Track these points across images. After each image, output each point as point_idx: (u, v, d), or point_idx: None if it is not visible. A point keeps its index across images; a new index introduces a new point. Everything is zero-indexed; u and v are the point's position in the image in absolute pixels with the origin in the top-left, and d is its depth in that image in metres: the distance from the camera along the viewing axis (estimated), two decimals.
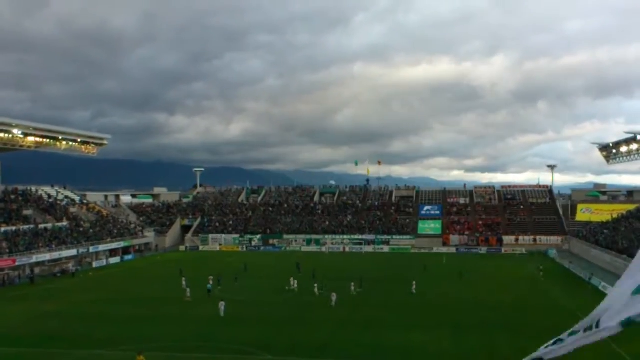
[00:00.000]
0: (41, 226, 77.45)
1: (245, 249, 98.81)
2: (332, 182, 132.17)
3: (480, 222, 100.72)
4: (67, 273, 69.34)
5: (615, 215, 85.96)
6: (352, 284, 52.46)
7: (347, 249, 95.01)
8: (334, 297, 46.78)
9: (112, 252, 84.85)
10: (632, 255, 60.10)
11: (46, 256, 70.13)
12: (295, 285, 54.73)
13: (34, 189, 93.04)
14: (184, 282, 56.41)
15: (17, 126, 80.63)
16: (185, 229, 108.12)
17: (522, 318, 41.36)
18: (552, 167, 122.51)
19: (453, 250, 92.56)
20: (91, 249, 79.42)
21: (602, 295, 38.57)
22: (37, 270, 68.14)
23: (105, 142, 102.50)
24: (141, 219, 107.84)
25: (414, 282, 52.64)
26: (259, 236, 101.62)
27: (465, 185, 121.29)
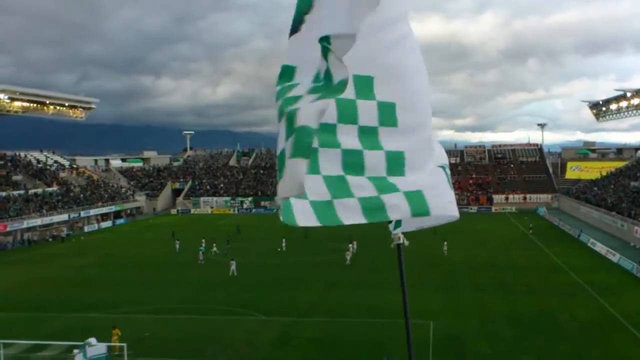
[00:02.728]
0: (31, 191, 77.00)
1: (236, 212, 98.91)
2: None
3: (471, 182, 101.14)
4: (58, 238, 69.41)
5: (604, 173, 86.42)
6: (350, 245, 52.14)
7: None
8: (348, 255, 48.31)
9: (104, 217, 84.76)
10: (620, 212, 60.85)
11: (37, 221, 69.90)
12: (284, 246, 55.52)
13: (22, 154, 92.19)
14: (177, 245, 56.83)
15: (3, 91, 79.61)
16: (177, 192, 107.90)
17: (513, 276, 41.84)
18: (542, 126, 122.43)
19: None
20: (82, 214, 79.22)
21: (592, 251, 38.81)
22: (27, 235, 68.05)
23: (93, 106, 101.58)
24: (132, 183, 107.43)
25: (445, 242, 52.24)
26: (250, 198, 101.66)
27: (455, 145, 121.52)
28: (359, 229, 68.81)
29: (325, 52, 3.11)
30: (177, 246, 56.76)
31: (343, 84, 3.12)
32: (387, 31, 3.55)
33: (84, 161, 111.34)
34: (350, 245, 51.43)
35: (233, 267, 44.38)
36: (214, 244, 55.32)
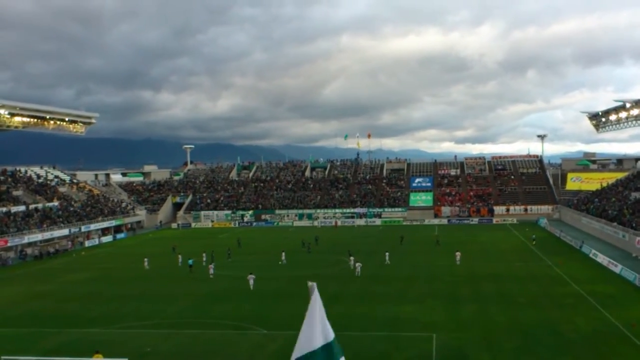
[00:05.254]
0: (32, 206, 77.01)
1: (237, 225, 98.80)
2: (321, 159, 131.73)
3: (471, 193, 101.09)
4: (59, 253, 69.28)
5: (605, 184, 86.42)
6: (351, 258, 51.86)
7: (339, 223, 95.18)
8: (358, 267, 48.01)
9: (104, 231, 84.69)
10: (621, 223, 60.68)
11: (38, 236, 69.81)
12: (284, 259, 55.23)
13: (23, 169, 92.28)
14: (179, 259, 56.76)
15: (3, 106, 79.72)
16: (177, 207, 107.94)
17: (515, 287, 41.67)
18: (542, 137, 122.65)
19: (445, 221, 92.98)
20: (83, 229, 79.13)
21: (593, 262, 38.60)
22: (28, 250, 67.97)
23: (93, 120, 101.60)
24: (132, 197, 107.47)
25: (458, 253, 52.76)
26: (250, 212, 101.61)
27: (455, 156, 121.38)
28: (360, 242, 68.79)
29: None
30: (180, 260, 56.74)
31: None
32: None
33: (84, 176, 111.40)
34: (352, 258, 51.06)
35: (251, 281, 43.99)
36: (204, 257, 55.77)
